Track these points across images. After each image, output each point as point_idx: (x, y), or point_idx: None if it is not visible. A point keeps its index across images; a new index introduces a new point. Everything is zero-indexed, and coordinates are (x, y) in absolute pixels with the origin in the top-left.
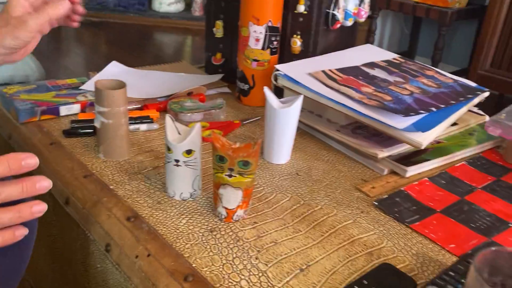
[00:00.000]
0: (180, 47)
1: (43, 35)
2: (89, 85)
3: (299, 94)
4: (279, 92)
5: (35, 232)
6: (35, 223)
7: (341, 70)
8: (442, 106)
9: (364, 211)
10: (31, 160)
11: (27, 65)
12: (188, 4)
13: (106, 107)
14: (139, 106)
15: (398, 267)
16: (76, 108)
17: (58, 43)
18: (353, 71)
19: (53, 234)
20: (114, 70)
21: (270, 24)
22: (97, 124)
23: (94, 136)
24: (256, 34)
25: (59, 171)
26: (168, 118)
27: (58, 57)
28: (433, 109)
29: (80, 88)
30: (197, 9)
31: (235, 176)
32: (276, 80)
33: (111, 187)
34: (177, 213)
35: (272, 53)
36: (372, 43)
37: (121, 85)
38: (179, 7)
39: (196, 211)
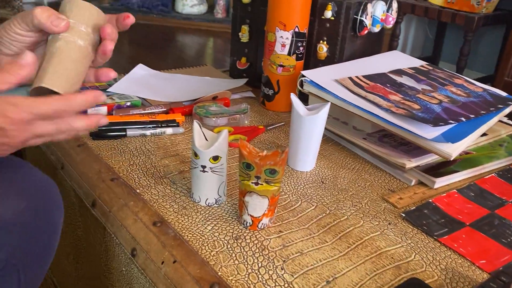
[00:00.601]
0: (202, 49)
1: None
2: (116, 88)
3: (325, 100)
4: (304, 98)
5: (59, 231)
6: (60, 221)
7: (368, 77)
8: (472, 116)
9: (392, 222)
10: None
11: None
12: (211, 6)
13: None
14: (165, 109)
15: (427, 282)
16: (103, 110)
17: None
18: (380, 78)
19: (78, 235)
20: (140, 73)
21: (296, 29)
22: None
23: (121, 138)
24: (282, 40)
25: (86, 173)
26: (195, 124)
27: None
28: (463, 119)
29: (107, 90)
30: (220, 11)
31: (261, 184)
32: (301, 86)
33: (138, 190)
34: (202, 219)
35: (298, 58)
36: (395, 48)
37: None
38: (201, 9)
39: (221, 218)
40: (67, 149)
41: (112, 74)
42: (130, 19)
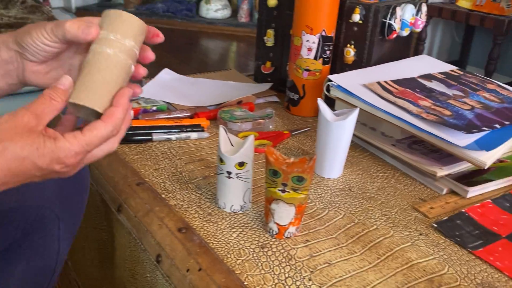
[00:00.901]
0: (225, 53)
1: None
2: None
3: (352, 105)
4: (329, 103)
5: (88, 188)
6: (88, 179)
7: (396, 81)
8: (507, 123)
9: (423, 233)
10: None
11: None
12: (235, 11)
13: (111, 32)
14: (190, 114)
15: None
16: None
17: None
18: (409, 83)
19: (103, 239)
20: (166, 77)
21: (323, 33)
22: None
23: (147, 142)
24: (309, 44)
25: (113, 178)
26: (221, 129)
27: None
28: (497, 125)
29: None
30: (243, 16)
31: (288, 192)
32: (328, 90)
33: (163, 196)
34: (227, 226)
35: (324, 62)
36: (421, 52)
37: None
38: (225, 13)
39: (246, 225)
40: None
41: (139, 90)
42: (159, 39)
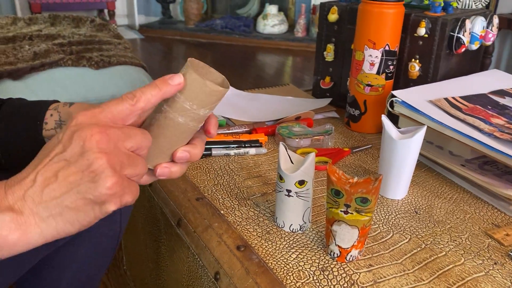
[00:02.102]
0: (281, 68)
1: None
2: None
3: (418, 122)
4: (392, 119)
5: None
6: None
7: (466, 98)
8: None
9: (498, 262)
10: (176, 77)
11: (143, 83)
12: (291, 26)
13: (188, 100)
14: (248, 129)
15: None
16: None
17: (169, 62)
18: (480, 100)
19: (161, 251)
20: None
21: (387, 48)
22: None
23: (206, 157)
24: (371, 58)
25: (173, 192)
26: (281, 146)
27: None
28: None
29: None
30: (300, 30)
31: (351, 213)
32: (392, 106)
33: (222, 212)
34: (286, 245)
35: (387, 78)
36: (488, 66)
37: (223, 81)
38: (282, 28)
39: (306, 246)
40: None
41: (197, 151)
42: (210, 135)
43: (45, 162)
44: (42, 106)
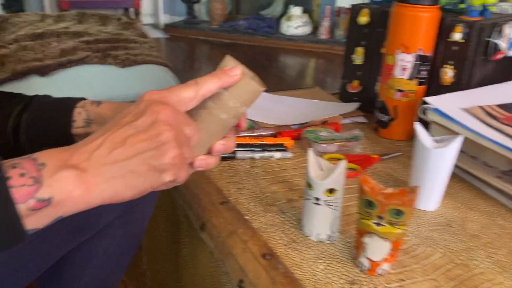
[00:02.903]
0: (303, 70)
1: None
2: None
3: (450, 131)
4: (424, 126)
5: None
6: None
7: (503, 106)
8: None
9: None
10: (235, 69)
11: (168, 82)
12: (315, 27)
13: (232, 98)
14: (274, 133)
15: None
16: None
17: (192, 61)
18: None
19: (182, 255)
20: None
21: (420, 52)
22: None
23: (231, 160)
24: (403, 63)
25: (197, 195)
26: (310, 152)
27: (192, 74)
28: None
29: None
30: (324, 32)
31: (384, 226)
32: (424, 113)
33: (246, 217)
34: (313, 256)
35: (419, 83)
36: None
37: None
38: (306, 30)
39: (334, 257)
40: None
41: (231, 143)
42: (240, 129)
43: (115, 129)
44: (70, 104)
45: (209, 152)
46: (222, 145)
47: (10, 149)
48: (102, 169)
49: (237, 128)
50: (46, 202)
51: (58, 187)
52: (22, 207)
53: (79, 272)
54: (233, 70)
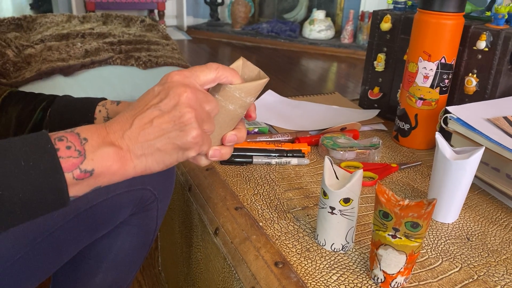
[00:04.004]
0: (325, 74)
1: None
2: None
3: (472, 141)
4: (445, 136)
5: (174, 175)
6: (174, 168)
7: None
8: None
9: None
10: (237, 77)
11: None
12: (338, 32)
13: (238, 89)
14: (291, 138)
15: None
16: None
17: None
18: None
19: (197, 258)
20: (269, 99)
21: (443, 60)
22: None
23: (247, 165)
24: (425, 71)
25: (212, 199)
26: (327, 160)
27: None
28: None
29: None
30: (347, 37)
31: (400, 238)
32: (445, 123)
33: (261, 224)
34: (327, 265)
35: (441, 92)
36: None
37: (259, 72)
38: (328, 34)
39: (348, 267)
40: (196, 172)
41: (242, 134)
42: (251, 119)
43: (143, 110)
44: (92, 102)
45: (222, 143)
46: (234, 135)
47: None
48: (134, 147)
49: (248, 119)
50: (88, 173)
51: (99, 161)
52: (68, 176)
53: (94, 268)
54: (236, 78)
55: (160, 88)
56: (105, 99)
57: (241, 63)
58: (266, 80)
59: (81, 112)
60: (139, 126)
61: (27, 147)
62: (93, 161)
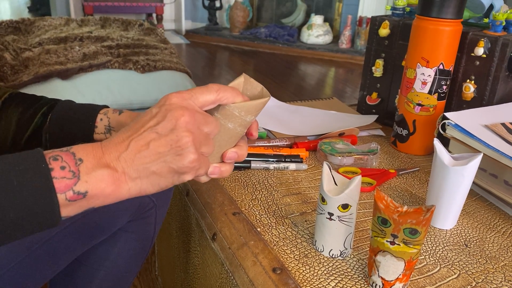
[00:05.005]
0: (323, 79)
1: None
2: None
3: (470, 147)
4: (442, 142)
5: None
6: (168, 204)
7: None
8: None
9: None
10: (238, 96)
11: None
12: (336, 37)
13: (238, 108)
14: (289, 143)
15: None
16: None
17: (212, 68)
18: None
19: (194, 263)
20: (267, 104)
21: (441, 67)
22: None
23: (245, 170)
24: (423, 77)
25: (210, 204)
26: (325, 166)
27: (211, 80)
28: None
29: None
30: (345, 42)
31: (398, 245)
32: (443, 129)
33: (258, 229)
34: (325, 272)
35: (439, 98)
36: None
37: (262, 90)
38: (326, 39)
39: (346, 274)
40: None
41: (242, 152)
42: (252, 137)
43: (140, 132)
44: (94, 110)
45: (222, 161)
46: (234, 153)
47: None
48: (130, 170)
49: (249, 137)
50: (81, 195)
51: (93, 183)
52: (61, 197)
53: (92, 274)
54: (237, 97)
55: (157, 110)
56: (107, 106)
57: (242, 80)
58: (267, 99)
59: (81, 119)
60: (135, 148)
61: (21, 166)
62: (87, 183)
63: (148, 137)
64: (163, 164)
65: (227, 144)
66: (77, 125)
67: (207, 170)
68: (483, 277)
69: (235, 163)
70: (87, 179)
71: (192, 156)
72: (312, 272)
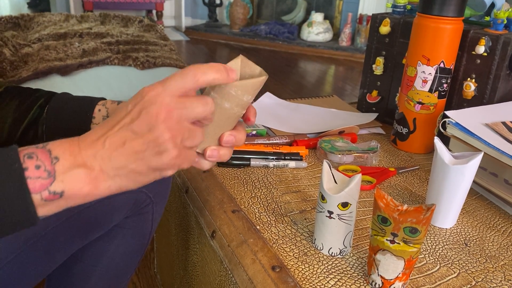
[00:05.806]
0: (323, 76)
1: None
2: None
3: (471, 146)
4: (443, 140)
5: (170, 182)
6: (166, 200)
7: None
8: None
9: None
10: (234, 74)
11: None
12: (336, 34)
13: (234, 86)
14: (289, 141)
15: None
16: None
17: None
18: None
19: (193, 261)
20: (267, 101)
21: (442, 65)
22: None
23: (245, 167)
24: (424, 75)
25: (209, 202)
26: (325, 164)
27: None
28: None
29: None
30: (345, 40)
31: (398, 243)
32: (444, 127)
33: (258, 227)
34: (324, 270)
35: (440, 96)
36: None
37: (260, 72)
38: (327, 36)
39: (345, 272)
40: (193, 174)
41: (241, 136)
42: (250, 123)
43: (115, 129)
44: (91, 101)
45: (220, 144)
46: (231, 136)
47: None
48: (107, 168)
49: (246, 122)
50: (58, 195)
51: (69, 183)
52: (36, 197)
53: (89, 271)
54: (232, 74)
55: (132, 106)
56: (104, 99)
57: (239, 61)
58: (264, 78)
59: (78, 111)
60: (111, 147)
61: None
62: (63, 182)
63: (123, 135)
64: (141, 163)
65: (225, 126)
66: (74, 116)
67: (191, 163)
68: (483, 276)
69: (235, 161)
70: (63, 179)
71: (171, 154)
72: (312, 271)
